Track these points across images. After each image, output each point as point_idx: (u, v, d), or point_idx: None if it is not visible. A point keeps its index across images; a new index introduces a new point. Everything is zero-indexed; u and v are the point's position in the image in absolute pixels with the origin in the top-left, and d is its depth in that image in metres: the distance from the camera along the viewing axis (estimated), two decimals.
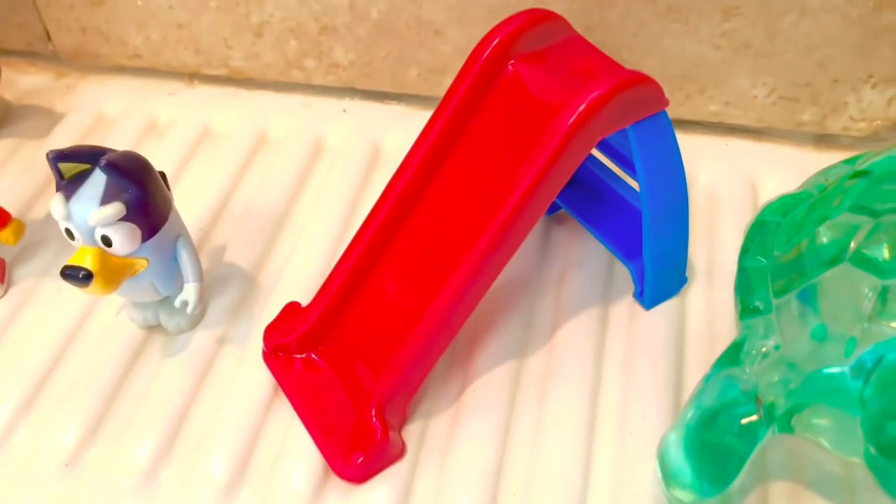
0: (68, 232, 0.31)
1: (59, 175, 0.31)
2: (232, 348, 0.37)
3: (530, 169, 0.29)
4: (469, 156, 0.33)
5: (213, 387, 0.36)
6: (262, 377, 0.36)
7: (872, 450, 0.22)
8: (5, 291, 0.40)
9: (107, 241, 0.31)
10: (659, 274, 0.36)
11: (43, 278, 0.41)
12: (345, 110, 0.48)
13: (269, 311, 0.38)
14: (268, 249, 0.41)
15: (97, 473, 0.33)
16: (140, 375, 0.36)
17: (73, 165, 0.31)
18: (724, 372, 0.30)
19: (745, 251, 0.32)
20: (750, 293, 0.31)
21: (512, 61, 0.32)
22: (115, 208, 0.31)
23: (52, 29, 0.51)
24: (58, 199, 0.31)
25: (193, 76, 0.51)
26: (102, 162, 0.30)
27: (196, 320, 0.37)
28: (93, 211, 0.31)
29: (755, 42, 0.41)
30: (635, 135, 0.30)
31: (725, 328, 0.36)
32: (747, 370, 0.29)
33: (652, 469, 0.32)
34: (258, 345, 0.37)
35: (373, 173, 0.45)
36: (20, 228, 0.38)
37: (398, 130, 0.47)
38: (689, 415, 0.30)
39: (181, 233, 0.34)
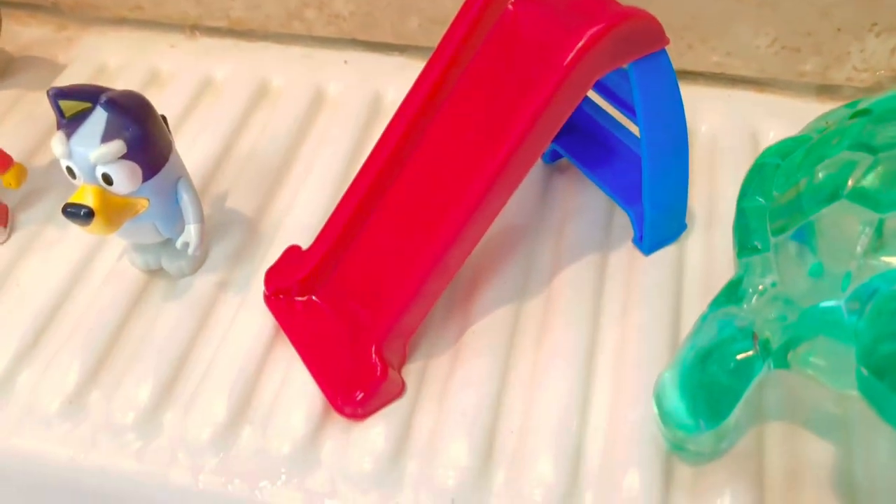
0: (69, 170, 0.32)
1: (60, 113, 0.31)
2: (233, 292, 0.37)
3: (528, 107, 0.29)
4: (466, 98, 0.33)
5: (214, 329, 0.36)
6: (264, 320, 0.36)
7: (865, 371, 0.22)
8: (8, 236, 0.40)
9: (107, 180, 0.31)
10: (658, 219, 0.36)
11: (46, 224, 0.41)
12: (346, 62, 0.48)
13: (271, 256, 0.38)
14: (269, 197, 0.41)
15: (100, 412, 0.34)
16: (142, 318, 0.37)
17: (74, 104, 0.31)
18: (720, 310, 0.30)
19: (744, 193, 0.32)
20: (748, 233, 0.31)
21: (511, 2, 0.32)
22: (116, 146, 0.31)
23: None
24: (59, 137, 0.31)
25: (194, 28, 0.51)
26: (103, 99, 0.30)
27: (198, 264, 0.38)
28: (93, 149, 0.31)
29: None
30: (635, 73, 0.30)
31: (723, 275, 0.36)
32: (744, 307, 0.29)
33: (648, 409, 0.32)
34: (260, 289, 0.37)
35: (373, 124, 0.45)
36: (22, 172, 0.38)
37: (399, 82, 0.47)
38: (685, 353, 0.30)
39: (182, 174, 0.34)
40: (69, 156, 0.31)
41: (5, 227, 0.40)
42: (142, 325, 0.36)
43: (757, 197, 0.32)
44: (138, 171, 0.32)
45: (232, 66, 0.48)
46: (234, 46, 0.50)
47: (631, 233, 0.38)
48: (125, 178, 0.31)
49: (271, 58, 0.49)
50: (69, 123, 0.32)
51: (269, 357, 0.35)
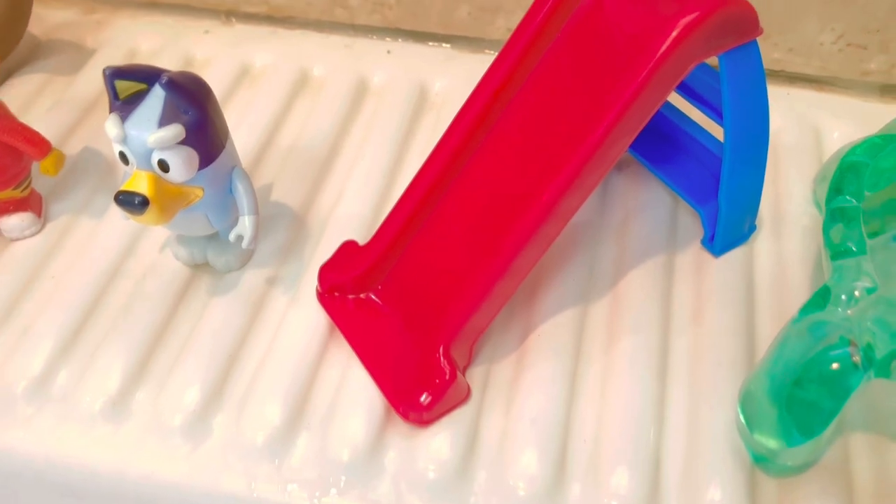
0: (122, 156, 0.30)
1: (115, 94, 0.30)
2: (283, 288, 0.35)
3: (617, 98, 0.28)
4: (543, 87, 0.31)
5: (264, 328, 0.34)
6: (317, 318, 0.34)
7: None
8: (42, 226, 0.38)
9: (164, 166, 0.30)
10: (732, 218, 0.34)
11: (80, 214, 0.39)
12: (389, 51, 0.47)
13: (321, 251, 0.36)
14: (315, 190, 0.40)
15: (145, 414, 0.32)
16: (186, 315, 0.35)
17: (129, 85, 0.30)
18: (811, 316, 0.28)
19: (834, 192, 0.31)
20: (840, 235, 0.29)
21: None
22: (175, 130, 0.29)
23: None
24: (113, 119, 0.29)
25: (230, 13, 0.49)
26: (164, 79, 0.28)
27: (245, 259, 0.36)
28: (151, 132, 0.29)
29: None
30: (726, 64, 0.29)
31: (796, 277, 0.35)
32: (838, 313, 0.28)
33: (728, 416, 0.30)
34: (310, 285, 0.35)
35: (420, 116, 0.43)
36: (60, 158, 0.36)
37: (445, 73, 0.45)
38: (774, 362, 0.28)
39: (236, 163, 0.33)
40: (124, 140, 0.29)
41: (39, 216, 0.38)
42: (187, 322, 0.35)
43: (847, 197, 0.30)
44: (196, 157, 0.30)
45: (270, 53, 0.46)
46: (272, 34, 0.48)
47: (696, 232, 0.37)
48: (182, 166, 0.30)
49: (311, 46, 0.47)
50: (123, 105, 0.30)
51: (324, 357, 0.33)
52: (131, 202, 0.29)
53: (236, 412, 0.32)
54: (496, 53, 0.45)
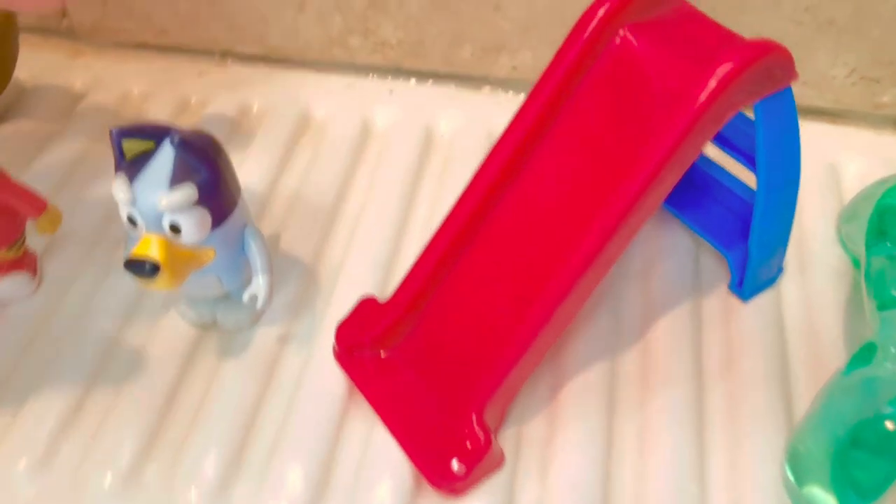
0: (130, 219, 0.28)
1: (121, 154, 0.28)
2: (297, 347, 0.34)
3: (654, 150, 0.27)
4: (573, 136, 0.30)
5: (280, 390, 0.33)
6: (335, 378, 0.32)
7: None
8: (38, 287, 0.36)
9: (175, 229, 0.28)
10: (762, 262, 0.33)
11: (76, 273, 0.37)
12: (391, 91, 0.45)
13: (333, 305, 0.35)
14: (323, 240, 0.38)
15: (159, 490, 0.30)
16: (197, 379, 0.33)
17: (135, 144, 0.28)
18: (861, 371, 0.27)
19: (871, 241, 0.30)
20: (885, 285, 0.28)
21: (620, 32, 0.29)
22: (188, 191, 0.27)
23: (70, 2, 0.47)
24: (121, 181, 0.28)
25: (225, 54, 0.47)
26: (175, 139, 0.27)
27: (257, 317, 0.34)
28: (162, 194, 0.27)
29: (840, 18, 0.39)
30: (762, 112, 0.28)
31: (829, 320, 0.34)
32: (888, 368, 0.27)
33: (772, 471, 0.29)
34: (325, 343, 0.33)
35: (427, 158, 0.42)
36: (57, 216, 0.34)
37: (450, 112, 0.44)
38: (824, 418, 0.27)
39: (248, 220, 0.31)
40: (133, 202, 0.27)
41: (34, 276, 0.36)
42: (198, 387, 0.33)
43: (887, 244, 0.29)
44: (208, 218, 0.28)
45: (268, 95, 0.45)
46: (269, 75, 0.46)
47: (721, 277, 0.36)
48: (195, 227, 0.28)
49: (310, 87, 0.46)
50: (130, 166, 0.28)
51: (345, 420, 0.32)
52: (142, 269, 0.27)
53: (257, 482, 0.30)
54: (500, 91, 0.45)
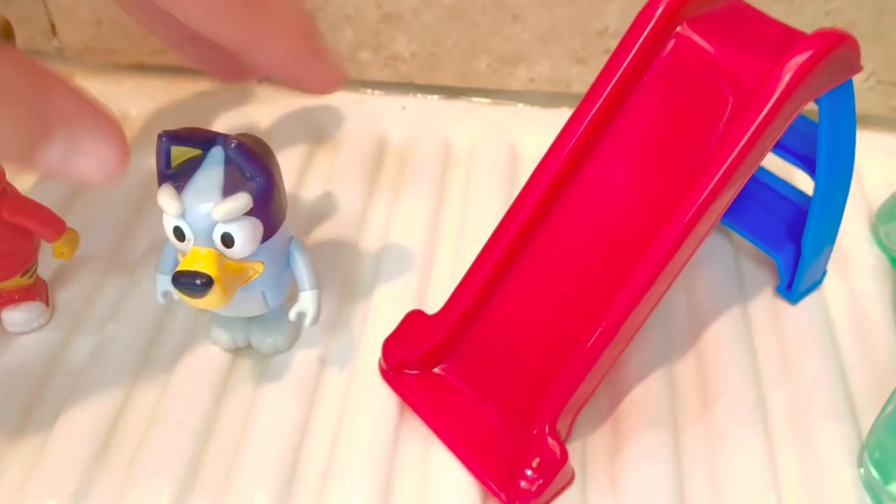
0: (177, 231, 0.26)
1: (167, 163, 0.26)
2: (338, 367, 0.32)
3: (728, 148, 0.26)
4: (630, 139, 0.29)
5: (325, 414, 0.31)
6: (383, 398, 0.31)
7: None
8: (51, 317, 0.33)
9: (227, 241, 0.26)
10: (812, 263, 0.33)
11: (91, 300, 0.34)
12: (404, 107, 0.44)
13: (371, 322, 0.33)
14: (352, 257, 0.36)
15: None
16: (233, 409, 0.31)
17: (183, 151, 0.26)
18: None
19: None
20: None
21: (678, 28, 0.29)
22: (244, 200, 0.25)
23: (59, 22, 0.45)
24: (168, 191, 0.26)
25: None
26: (231, 144, 0.25)
27: (294, 338, 0.32)
28: (215, 204, 0.25)
29: (861, 22, 0.39)
30: (827, 105, 0.28)
31: (877, 317, 0.34)
32: None
33: (849, 470, 0.28)
34: (368, 361, 0.32)
35: (448, 170, 0.41)
36: (75, 238, 0.32)
37: (467, 127, 0.43)
38: None
39: (294, 233, 0.29)
40: (182, 214, 0.26)
41: (48, 306, 0.33)
42: (236, 418, 0.30)
43: None
44: (261, 229, 0.27)
45: (276, 113, 0.43)
46: (275, 93, 0.45)
47: (764, 280, 0.35)
48: (248, 239, 0.26)
49: (319, 104, 0.44)
50: (175, 175, 0.26)
51: (398, 443, 0.30)
52: (192, 284, 0.25)
53: None
54: (516, 104, 0.44)
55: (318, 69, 0.25)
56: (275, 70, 0.25)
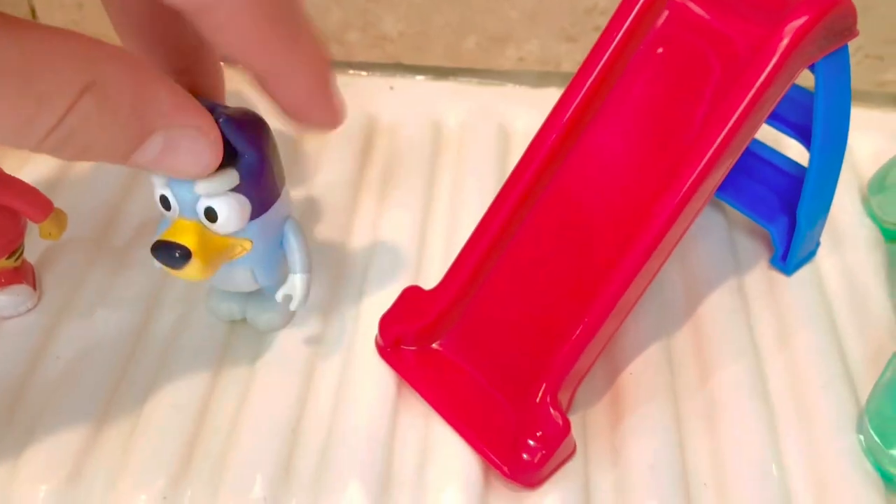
0: (163, 200, 0.26)
1: None
2: (334, 345, 0.32)
3: (725, 117, 0.26)
4: (625, 112, 0.29)
5: (323, 392, 0.30)
6: (380, 375, 0.30)
7: None
8: (39, 300, 0.33)
9: (211, 215, 0.25)
10: (807, 234, 0.33)
11: (79, 284, 0.34)
12: (392, 88, 0.44)
13: (365, 301, 0.33)
14: (344, 238, 0.36)
15: None
16: (229, 386, 0.30)
17: None
18: None
19: None
20: None
21: None
22: (228, 176, 0.25)
23: (40, 6, 0.44)
24: None
25: None
26: (221, 117, 0.24)
27: (290, 317, 0.32)
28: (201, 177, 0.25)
29: None
30: (823, 70, 0.27)
31: (871, 288, 0.34)
32: None
33: (848, 437, 0.28)
34: (364, 338, 0.31)
35: (439, 150, 0.40)
36: (64, 219, 0.31)
37: (457, 107, 0.42)
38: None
39: (290, 213, 0.29)
40: (168, 182, 0.25)
41: (35, 290, 0.33)
42: (231, 396, 0.30)
43: None
44: (248, 206, 0.26)
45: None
46: None
47: (758, 252, 0.35)
48: (233, 215, 0.26)
49: None
50: None
51: (397, 420, 0.29)
52: (170, 255, 0.25)
53: (312, 498, 0.27)
54: (505, 85, 0.44)
55: (327, 109, 0.25)
56: (288, 102, 0.25)
